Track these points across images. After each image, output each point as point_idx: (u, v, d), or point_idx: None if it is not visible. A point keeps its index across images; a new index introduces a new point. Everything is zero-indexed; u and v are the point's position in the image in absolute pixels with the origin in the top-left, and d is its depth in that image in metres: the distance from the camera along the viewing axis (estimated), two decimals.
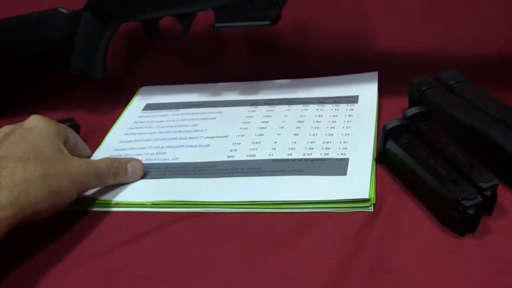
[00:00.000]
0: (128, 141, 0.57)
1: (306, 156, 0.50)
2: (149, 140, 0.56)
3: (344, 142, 0.51)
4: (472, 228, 0.40)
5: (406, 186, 0.46)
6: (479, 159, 0.43)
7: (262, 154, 0.51)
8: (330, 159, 0.49)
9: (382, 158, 0.48)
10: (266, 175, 0.48)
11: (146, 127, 0.59)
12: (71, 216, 0.47)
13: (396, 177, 0.47)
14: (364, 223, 0.43)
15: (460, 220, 0.40)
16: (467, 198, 0.39)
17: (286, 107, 0.58)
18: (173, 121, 0.59)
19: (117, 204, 0.48)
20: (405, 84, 0.54)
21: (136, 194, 0.48)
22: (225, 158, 0.52)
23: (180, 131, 0.57)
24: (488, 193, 0.40)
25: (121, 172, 0.49)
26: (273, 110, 0.58)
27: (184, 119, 0.59)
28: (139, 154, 0.54)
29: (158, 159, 0.53)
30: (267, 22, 0.55)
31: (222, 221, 0.45)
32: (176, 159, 0.53)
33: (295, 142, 0.52)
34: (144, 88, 0.66)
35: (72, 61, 0.61)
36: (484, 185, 0.40)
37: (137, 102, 0.64)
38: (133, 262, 0.42)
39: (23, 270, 0.42)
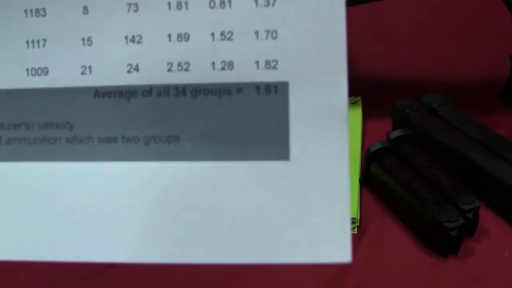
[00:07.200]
0: None
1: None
2: None
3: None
4: (455, 250, 0.40)
5: (390, 208, 0.46)
6: (462, 182, 0.43)
7: None
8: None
9: (366, 180, 0.48)
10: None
11: None
12: None
13: (380, 200, 0.47)
14: None
15: (443, 242, 0.40)
16: (449, 220, 0.39)
17: None
18: None
19: None
20: (389, 108, 0.55)
21: None
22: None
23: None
24: (470, 215, 0.40)
25: None
26: None
27: None
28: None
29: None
30: None
31: None
32: None
33: None
34: None
35: None
36: (466, 207, 0.40)
37: None
38: (127, 278, 0.41)
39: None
